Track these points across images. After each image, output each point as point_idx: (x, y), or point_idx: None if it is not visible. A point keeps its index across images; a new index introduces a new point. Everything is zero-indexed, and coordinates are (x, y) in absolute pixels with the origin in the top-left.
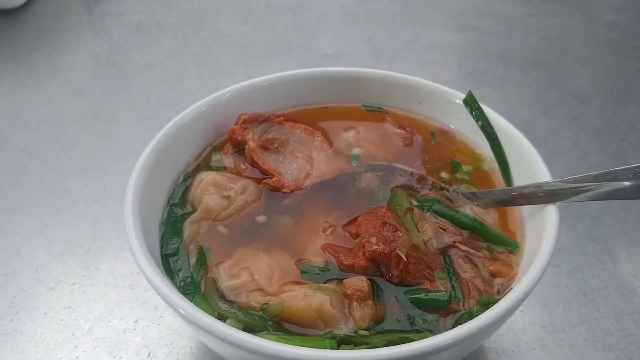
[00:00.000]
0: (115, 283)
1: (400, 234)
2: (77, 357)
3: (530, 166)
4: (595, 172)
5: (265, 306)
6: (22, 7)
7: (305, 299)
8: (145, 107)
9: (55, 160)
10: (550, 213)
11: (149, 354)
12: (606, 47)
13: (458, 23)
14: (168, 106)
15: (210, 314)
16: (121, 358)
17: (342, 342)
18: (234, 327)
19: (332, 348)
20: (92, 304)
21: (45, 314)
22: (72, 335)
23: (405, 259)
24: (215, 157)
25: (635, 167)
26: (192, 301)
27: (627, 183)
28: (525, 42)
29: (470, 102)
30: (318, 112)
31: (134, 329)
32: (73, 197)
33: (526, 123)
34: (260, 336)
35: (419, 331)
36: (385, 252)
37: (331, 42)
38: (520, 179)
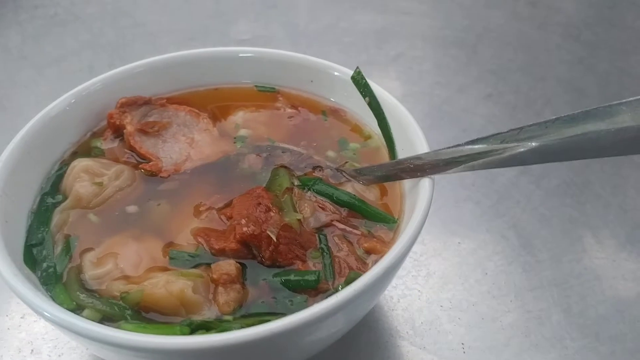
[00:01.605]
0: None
1: (272, 214)
2: None
3: (411, 140)
4: (466, 142)
5: (125, 294)
6: None
7: (167, 285)
8: (53, 100)
9: None
10: (424, 186)
11: (32, 350)
12: (529, 23)
13: (381, 5)
14: None
15: (68, 305)
16: (1, 356)
17: (199, 328)
18: (91, 317)
19: (184, 334)
20: None
21: None
22: None
23: (276, 240)
24: (95, 144)
25: (505, 133)
26: (52, 292)
27: (504, 153)
28: (447, 21)
29: (358, 79)
30: (208, 94)
31: (19, 325)
32: None
33: (440, 102)
34: (118, 326)
35: (283, 314)
36: (255, 233)
37: (249, 28)
38: (403, 154)
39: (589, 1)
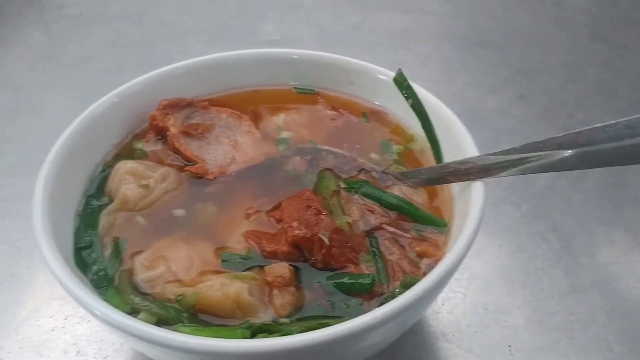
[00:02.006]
0: (45, 280)
1: (323, 217)
2: (2, 359)
3: (458, 142)
4: (522, 145)
5: (180, 297)
6: None
7: (222, 288)
8: (83, 101)
9: None
10: (476, 190)
11: (78, 352)
12: (554, 24)
13: (405, 5)
14: None
15: (122, 308)
16: (48, 357)
17: (258, 331)
18: (147, 320)
19: (245, 337)
20: (20, 303)
21: None
22: None
23: (328, 243)
24: (138, 145)
25: (561, 137)
26: (104, 295)
27: (558, 155)
28: (472, 21)
29: (400, 81)
30: (248, 96)
31: (63, 327)
32: (5, 195)
33: (472, 103)
34: (175, 329)
35: (340, 317)
36: (307, 236)
37: (276, 28)
38: (449, 157)
39: (612, 2)
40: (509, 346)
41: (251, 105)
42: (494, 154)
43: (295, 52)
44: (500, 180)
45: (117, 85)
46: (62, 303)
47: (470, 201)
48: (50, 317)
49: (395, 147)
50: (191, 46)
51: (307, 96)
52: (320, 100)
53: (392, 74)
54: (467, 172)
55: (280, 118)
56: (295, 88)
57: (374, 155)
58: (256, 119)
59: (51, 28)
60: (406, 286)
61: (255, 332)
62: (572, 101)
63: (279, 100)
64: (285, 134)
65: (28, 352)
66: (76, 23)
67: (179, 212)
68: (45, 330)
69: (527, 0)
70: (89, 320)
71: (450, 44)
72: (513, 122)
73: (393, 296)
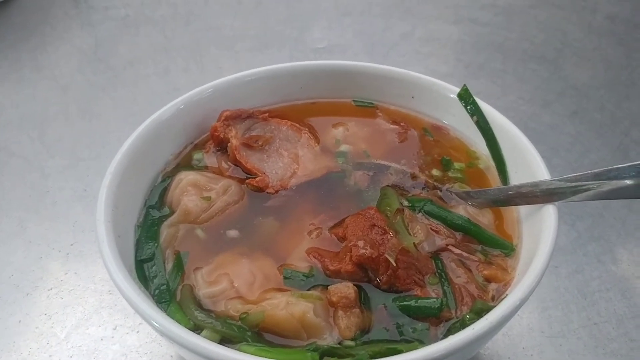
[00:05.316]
0: (94, 288)
1: (390, 237)
2: None
3: (528, 164)
4: (596, 170)
5: (244, 315)
6: (6, 0)
7: (288, 307)
8: (131, 104)
9: (37, 159)
10: (549, 214)
11: None
12: (608, 39)
13: (456, 15)
14: (155, 102)
15: (185, 325)
16: None
17: (325, 354)
18: (210, 338)
19: None
20: (70, 311)
21: (20, 321)
22: (47, 343)
23: (395, 264)
24: (197, 156)
25: (639, 164)
26: (166, 310)
27: (629, 182)
28: (524, 34)
29: (465, 97)
30: (306, 108)
31: (112, 337)
32: (54, 198)
33: (525, 118)
34: (239, 348)
35: (408, 341)
36: (373, 256)
37: (324, 35)
38: (517, 178)
39: None
40: None
41: (308, 117)
42: (567, 178)
43: (354, 64)
44: None
45: (165, 88)
46: (111, 312)
47: (542, 224)
48: (100, 326)
49: (457, 165)
50: (238, 52)
51: (365, 109)
52: (380, 114)
53: (456, 89)
54: (536, 194)
55: (339, 131)
56: (354, 101)
57: (436, 172)
58: (314, 131)
59: (98, 30)
60: (478, 312)
61: (323, 354)
62: (627, 119)
63: (337, 112)
64: (344, 147)
65: None
66: (123, 25)
67: (239, 225)
68: (94, 340)
69: (580, 13)
70: (138, 332)
71: (502, 56)
72: (567, 139)
73: (463, 322)
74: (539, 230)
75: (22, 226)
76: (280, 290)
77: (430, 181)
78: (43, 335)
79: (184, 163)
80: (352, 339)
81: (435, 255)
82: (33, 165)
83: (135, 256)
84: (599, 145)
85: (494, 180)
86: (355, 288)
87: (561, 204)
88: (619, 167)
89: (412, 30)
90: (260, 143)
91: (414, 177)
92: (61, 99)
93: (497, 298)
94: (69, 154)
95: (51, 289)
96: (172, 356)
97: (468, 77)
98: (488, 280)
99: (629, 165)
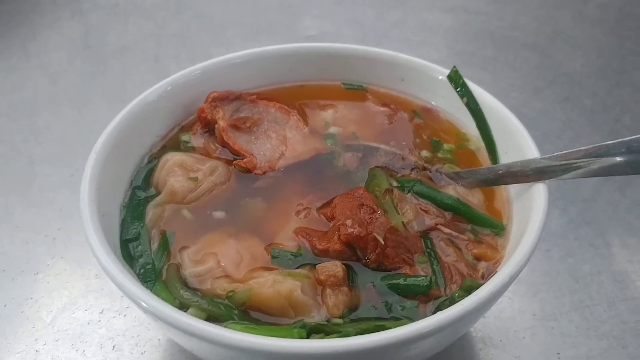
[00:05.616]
0: (81, 272)
1: (378, 216)
2: (37, 351)
3: (518, 143)
4: (586, 147)
5: (231, 293)
6: None
7: (275, 285)
8: (121, 91)
9: (25, 147)
10: (539, 192)
11: (114, 347)
12: (599, 27)
13: (448, 3)
14: (145, 90)
15: (171, 303)
16: (84, 351)
17: (313, 331)
18: (196, 316)
19: (301, 337)
20: (56, 295)
21: (5, 305)
22: (33, 327)
23: (383, 243)
24: (184, 138)
25: (629, 140)
26: (152, 289)
27: (619, 158)
28: (515, 22)
29: (455, 78)
30: (295, 91)
31: (99, 320)
32: (41, 184)
33: (517, 105)
34: (225, 326)
35: (397, 319)
36: (362, 235)
37: (315, 23)
38: (507, 158)
39: None
40: (558, 354)
41: (297, 100)
42: (556, 155)
43: (343, 46)
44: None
45: (155, 76)
46: (97, 296)
47: (532, 203)
48: (86, 310)
49: (447, 146)
50: (229, 39)
51: (355, 92)
52: (369, 96)
53: (445, 71)
54: (526, 173)
55: (328, 113)
56: (343, 84)
57: (425, 153)
58: (303, 114)
59: (88, 18)
60: (467, 290)
61: (310, 331)
62: (618, 105)
63: (326, 95)
64: (333, 130)
65: (63, 345)
66: (113, 13)
67: (227, 206)
68: (81, 324)
69: (571, 1)
70: (125, 315)
71: (494, 44)
72: (559, 125)
73: (452, 299)
74: (529, 209)
75: (8, 212)
76: (267, 269)
77: (419, 162)
78: (29, 319)
79: (171, 144)
80: (340, 317)
81: (425, 234)
82: (21, 152)
83: (121, 236)
84: (590, 131)
85: (484, 161)
86: (344, 267)
87: (551, 183)
88: (608, 144)
89: (404, 18)
90: (248, 125)
91: (403, 158)
92: (50, 87)
93: (487, 276)
94: (58, 141)
95: (37, 273)
96: (159, 339)
97: (460, 64)
98: (478, 258)
99: (619, 142)
